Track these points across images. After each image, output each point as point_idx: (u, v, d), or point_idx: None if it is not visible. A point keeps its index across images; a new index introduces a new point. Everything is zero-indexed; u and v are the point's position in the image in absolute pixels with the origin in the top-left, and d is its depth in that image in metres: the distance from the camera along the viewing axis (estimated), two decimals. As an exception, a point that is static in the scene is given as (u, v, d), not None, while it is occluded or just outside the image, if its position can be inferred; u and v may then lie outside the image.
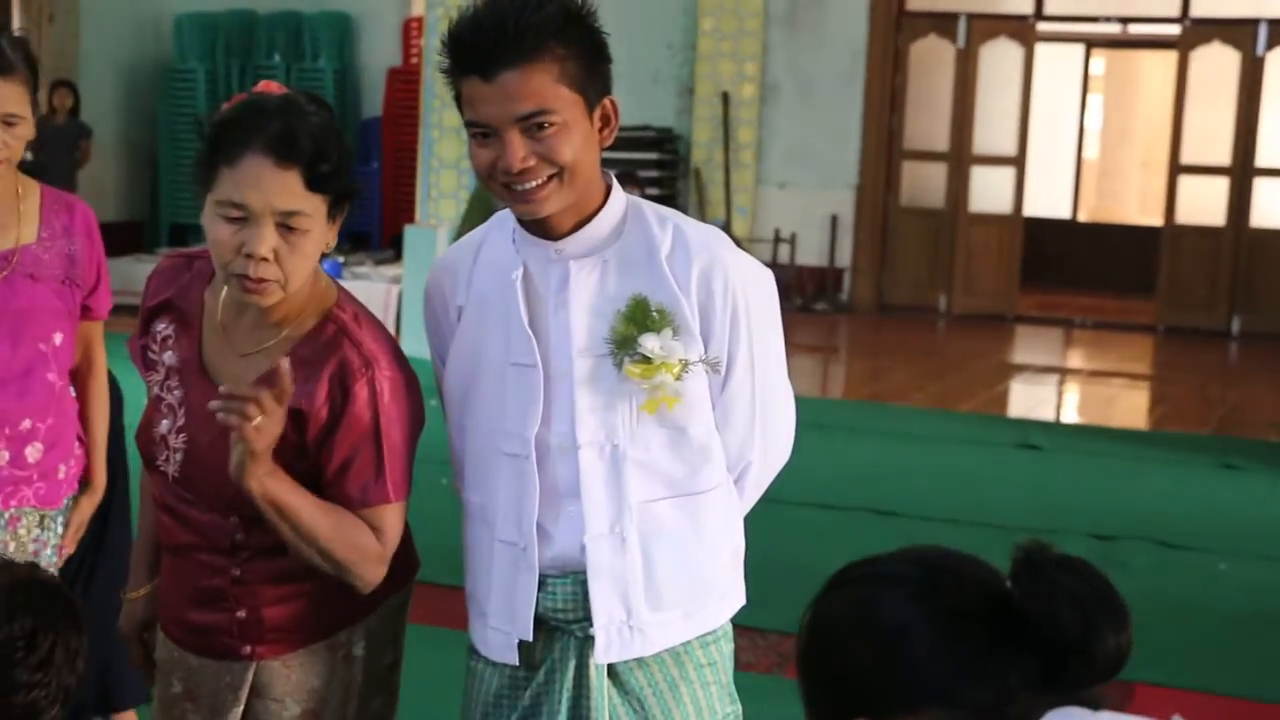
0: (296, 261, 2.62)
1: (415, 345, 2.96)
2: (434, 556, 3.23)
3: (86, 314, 3.78)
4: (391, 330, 2.81)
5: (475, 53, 2.57)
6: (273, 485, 2.60)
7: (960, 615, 1.77)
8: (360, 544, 2.70)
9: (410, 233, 12.43)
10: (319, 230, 2.65)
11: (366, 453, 2.70)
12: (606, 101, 2.67)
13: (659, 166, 15.19)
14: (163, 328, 2.86)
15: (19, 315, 3.59)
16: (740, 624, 3.01)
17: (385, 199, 16.44)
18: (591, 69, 2.62)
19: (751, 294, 2.77)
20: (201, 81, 17.04)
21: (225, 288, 2.72)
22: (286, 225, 2.59)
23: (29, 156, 3.78)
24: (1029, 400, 12.51)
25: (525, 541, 2.73)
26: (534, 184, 2.57)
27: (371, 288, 12.66)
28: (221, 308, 2.80)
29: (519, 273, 2.72)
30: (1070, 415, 12.31)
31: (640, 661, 2.76)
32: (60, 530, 3.76)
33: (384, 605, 2.89)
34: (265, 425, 2.52)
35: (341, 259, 13.69)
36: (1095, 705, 1.72)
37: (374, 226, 16.32)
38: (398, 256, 13.65)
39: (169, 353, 2.84)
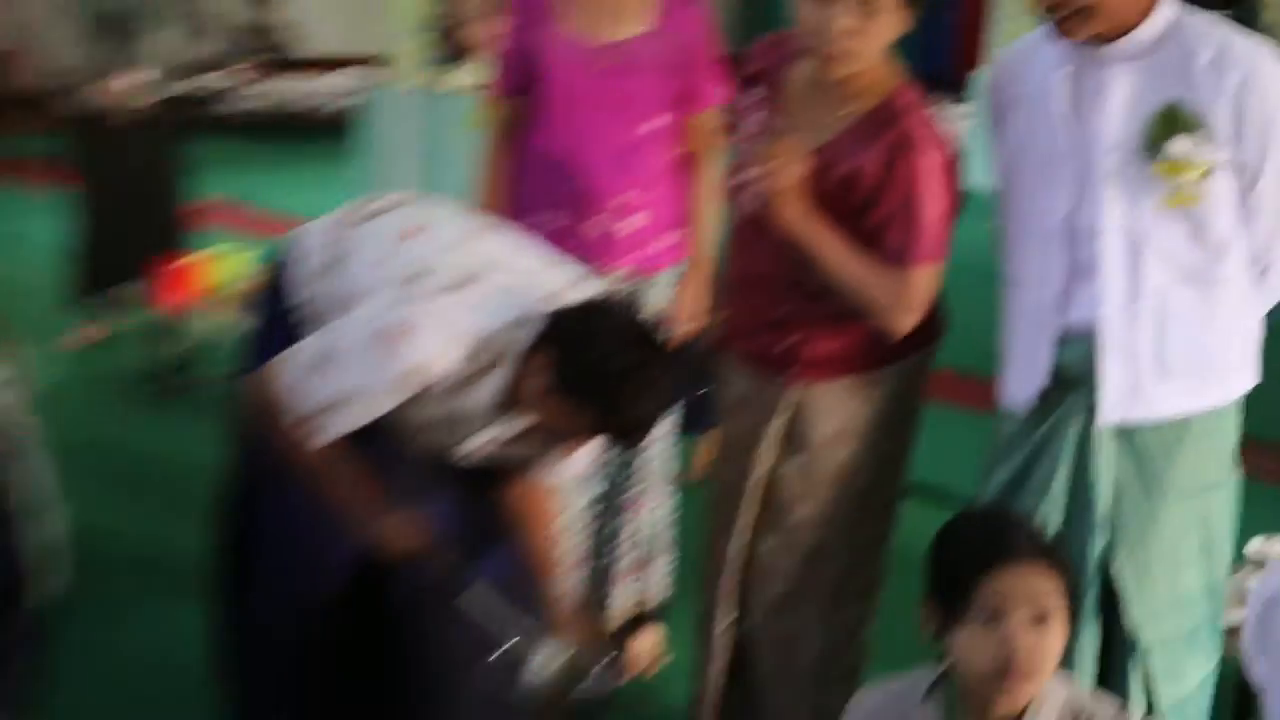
0: (867, 40, 2.99)
1: (977, 177, 3.27)
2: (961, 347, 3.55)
3: (694, 103, 3.96)
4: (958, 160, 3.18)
5: None
6: (805, 225, 3.07)
7: None
8: (886, 291, 3.11)
9: (979, 75, 12.43)
10: (890, 14, 3.00)
11: (903, 217, 3.07)
12: None
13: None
14: (752, 95, 3.30)
15: (624, 99, 3.90)
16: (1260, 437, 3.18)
17: (960, 44, 16.38)
18: None
19: None
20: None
21: (807, 64, 3.12)
22: (866, 7, 2.95)
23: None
24: None
25: (1049, 306, 3.01)
26: (1066, 14, 2.81)
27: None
28: (802, 82, 3.19)
29: (1066, 71, 2.94)
30: None
31: (1144, 422, 2.97)
32: (660, 294, 4.02)
33: (911, 358, 3.29)
34: (779, 169, 3.02)
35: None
36: None
37: (947, 71, 16.29)
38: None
39: (755, 115, 3.26)
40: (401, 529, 2.88)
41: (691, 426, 4.13)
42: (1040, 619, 2.27)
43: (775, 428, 3.31)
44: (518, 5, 4.03)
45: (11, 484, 2.58)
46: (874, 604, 3.48)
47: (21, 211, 9.10)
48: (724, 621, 3.47)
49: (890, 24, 3.01)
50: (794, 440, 3.30)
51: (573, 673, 2.83)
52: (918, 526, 2.59)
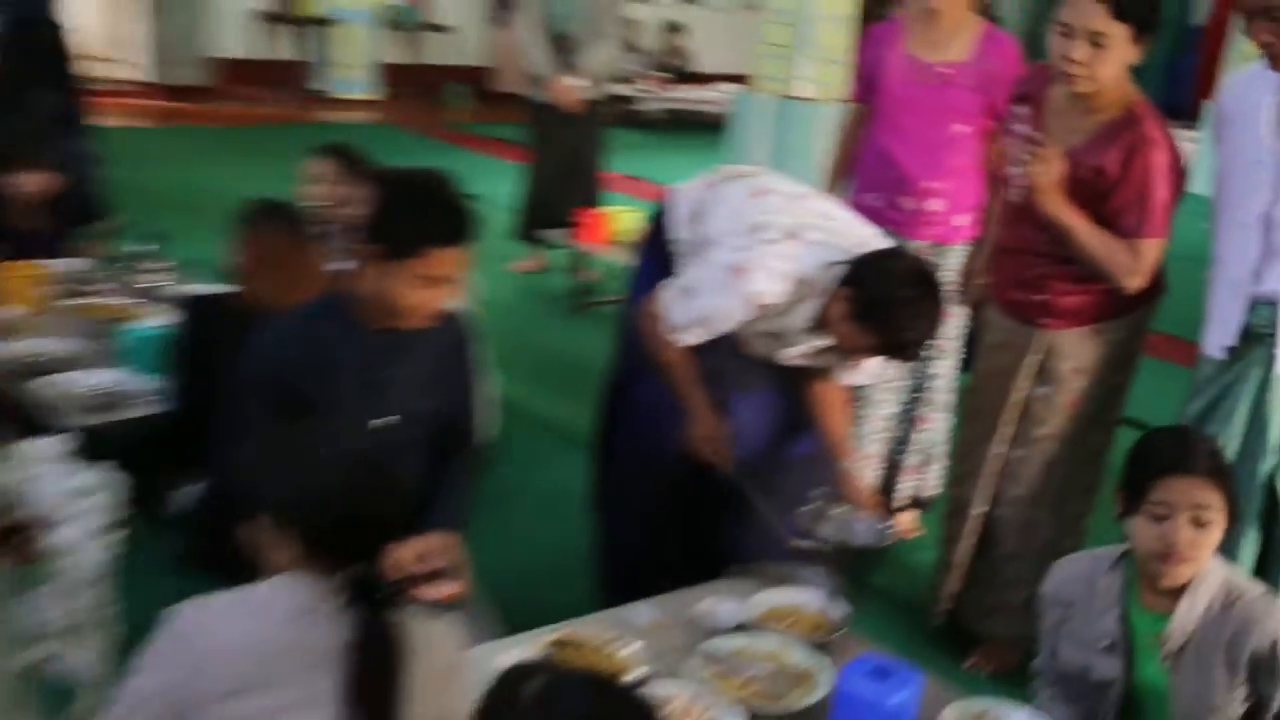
0: (1097, 66, 2.90)
1: (1200, 185, 3.13)
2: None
3: (994, 117, 3.72)
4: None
5: None
6: (1059, 210, 3.00)
7: None
8: (1121, 260, 3.01)
9: (1208, 105, 11.73)
10: (1120, 48, 2.88)
11: (1138, 202, 2.97)
12: None
13: None
14: (1020, 109, 3.21)
15: (940, 108, 3.84)
16: None
17: (1198, 81, 15.46)
18: None
19: None
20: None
21: (1060, 85, 3.02)
22: (1093, 42, 2.86)
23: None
24: None
25: (1244, 279, 2.88)
26: (1275, 50, 2.69)
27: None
28: (1058, 99, 3.10)
29: (1271, 100, 2.80)
30: None
31: None
32: (953, 261, 3.92)
33: (1136, 312, 3.18)
34: (1039, 170, 2.96)
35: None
36: None
37: (1186, 102, 15.42)
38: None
39: (1022, 125, 3.18)
40: (712, 435, 2.92)
41: (969, 366, 4.04)
42: (1199, 522, 2.17)
43: (1029, 363, 3.24)
44: (873, 33, 4.03)
45: (470, 360, 2.69)
46: (1093, 502, 3.38)
47: (491, 175, 9.44)
48: (978, 510, 3.42)
49: (1120, 55, 2.90)
50: (1044, 374, 3.24)
51: (857, 528, 2.81)
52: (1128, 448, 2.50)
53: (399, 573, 2.29)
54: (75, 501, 1.98)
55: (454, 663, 1.78)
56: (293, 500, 1.70)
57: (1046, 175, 2.98)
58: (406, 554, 2.35)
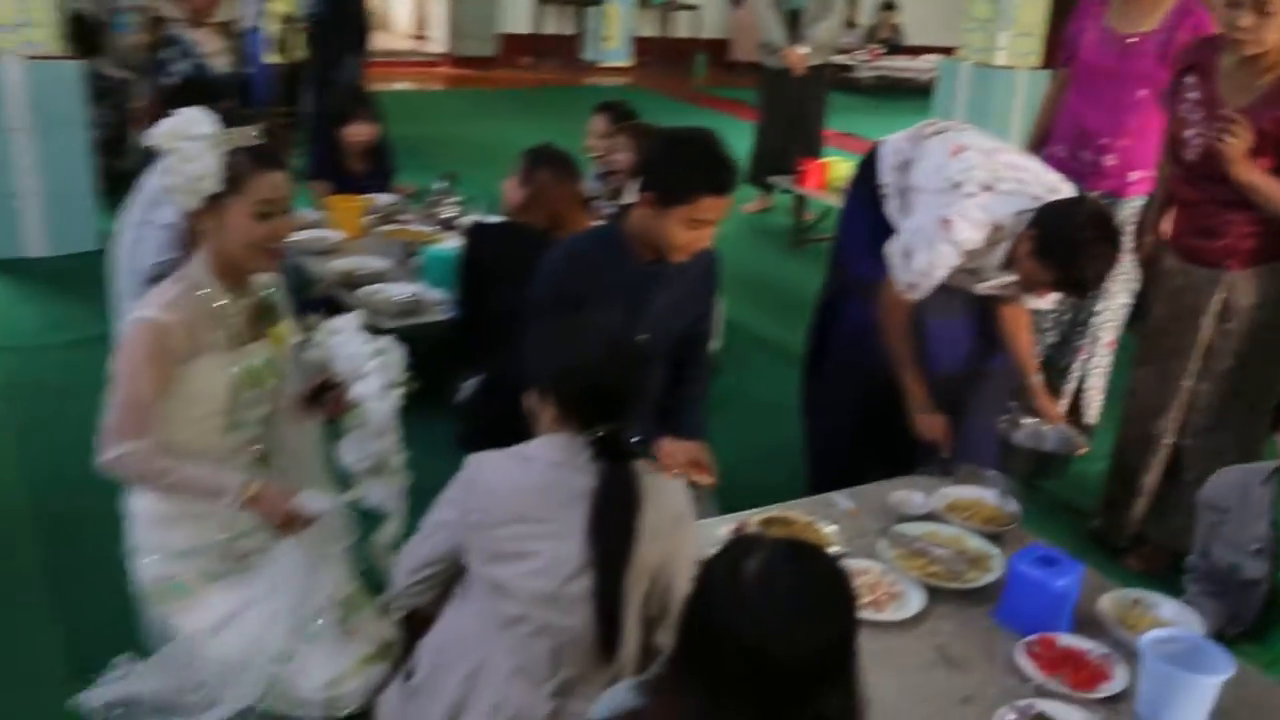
0: (1263, 31, 2.76)
1: None
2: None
3: None
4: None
5: None
6: (1248, 174, 2.84)
7: None
8: None
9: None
10: None
11: None
12: None
13: None
14: (1189, 79, 3.02)
15: (1125, 74, 3.62)
16: None
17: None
18: None
19: None
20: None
21: (1230, 51, 2.85)
22: (1259, 10, 2.72)
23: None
24: None
25: None
26: None
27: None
28: (1228, 64, 2.90)
29: None
30: None
31: None
32: (1128, 213, 3.68)
33: None
34: (1232, 143, 2.80)
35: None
36: None
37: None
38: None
39: (1194, 92, 3.00)
40: (929, 422, 2.82)
41: (1138, 316, 3.83)
42: None
43: (1214, 303, 3.08)
44: (1081, 6, 3.84)
45: (714, 289, 2.72)
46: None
47: (727, 131, 9.40)
48: (1168, 440, 3.27)
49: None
50: (1226, 311, 3.08)
51: (1049, 436, 2.78)
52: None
53: (669, 465, 2.46)
54: (369, 362, 2.11)
55: (681, 514, 1.84)
56: (554, 372, 1.79)
57: (1238, 147, 2.82)
58: (674, 451, 2.50)
